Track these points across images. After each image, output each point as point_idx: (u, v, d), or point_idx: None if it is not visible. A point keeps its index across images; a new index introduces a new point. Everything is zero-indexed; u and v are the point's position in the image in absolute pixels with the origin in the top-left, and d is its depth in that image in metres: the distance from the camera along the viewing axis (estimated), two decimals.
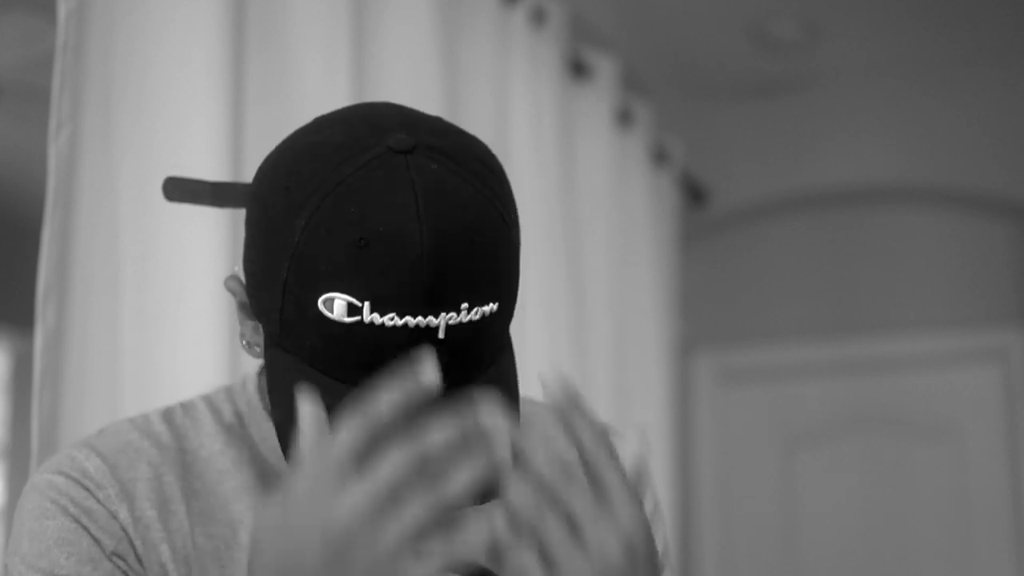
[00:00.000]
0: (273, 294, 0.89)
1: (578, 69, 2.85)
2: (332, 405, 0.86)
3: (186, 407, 1.08)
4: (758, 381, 3.99)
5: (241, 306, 0.97)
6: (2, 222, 3.33)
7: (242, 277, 0.96)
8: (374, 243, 0.84)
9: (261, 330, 0.95)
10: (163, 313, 1.54)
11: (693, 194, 3.70)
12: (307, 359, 0.89)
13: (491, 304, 0.89)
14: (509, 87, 2.45)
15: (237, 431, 1.06)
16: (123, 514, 1.00)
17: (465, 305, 0.87)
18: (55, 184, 1.41)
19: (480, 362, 0.90)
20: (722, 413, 4.00)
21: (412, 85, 2.07)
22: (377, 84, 2.02)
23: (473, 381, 0.90)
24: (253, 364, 1.68)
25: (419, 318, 0.85)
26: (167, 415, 1.08)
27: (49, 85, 1.42)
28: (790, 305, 3.95)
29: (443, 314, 0.85)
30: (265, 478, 1.04)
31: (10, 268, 3.20)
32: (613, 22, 3.35)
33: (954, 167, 3.74)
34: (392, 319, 0.85)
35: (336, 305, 0.85)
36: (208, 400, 1.09)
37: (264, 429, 1.05)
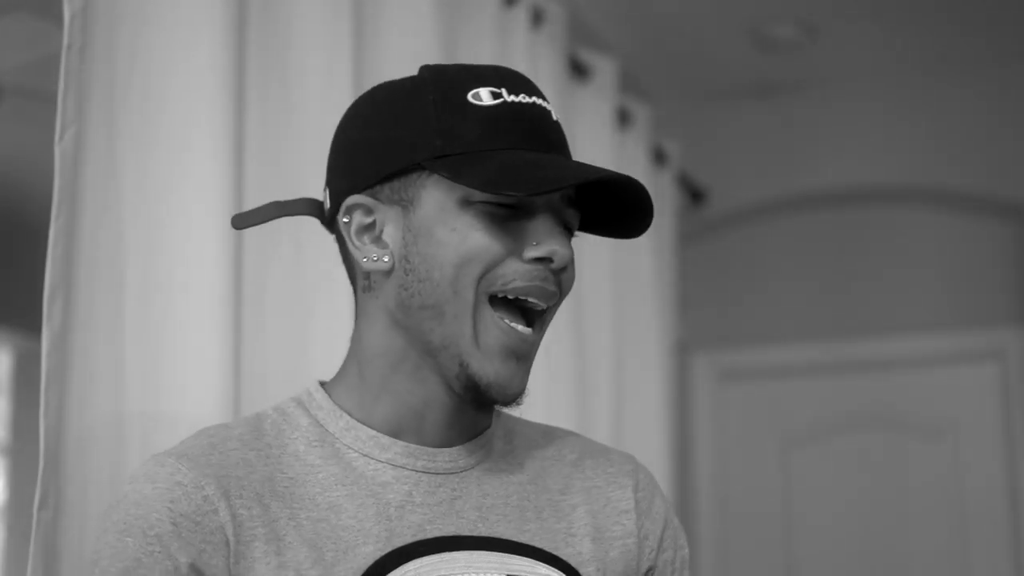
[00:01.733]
0: (423, 126, 1.09)
1: (577, 70, 2.86)
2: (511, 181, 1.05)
3: (260, 414, 1.16)
4: (756, 380, 3.99)
5: (359, 231, 1.12)
6: (6, 223, 3.33)
7: (346, 218, 1.12)
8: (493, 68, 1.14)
9: (382, 236, 1.11)
10: (168, 313, 1.54)
11: (692, 194, 3.71)
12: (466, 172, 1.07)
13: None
14: None
15: (317, 430, 1.13)
16: (223, 512, 1.05)
17: None
18: (60, 184, 1.41)
19: None
20: (720, 412, 4.01)
21: None
22: (377, 83, 2.03)
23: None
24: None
25: (535, 98, 1.11)
26: (248, 421, 1.14)
27: (54, 86, 1.43)
28: (788, 305, 3.96)
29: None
30: (349, 471, 1.11)
31: (13, 268, 3.21)
32: (612, 23, 3.36)
33: (952, 167, 3.75)
34: (523, 98, 1.10)
35: (483, 94, 1.09)
36: (280, 407, 1.16)
37: (340, 427, 1.13)
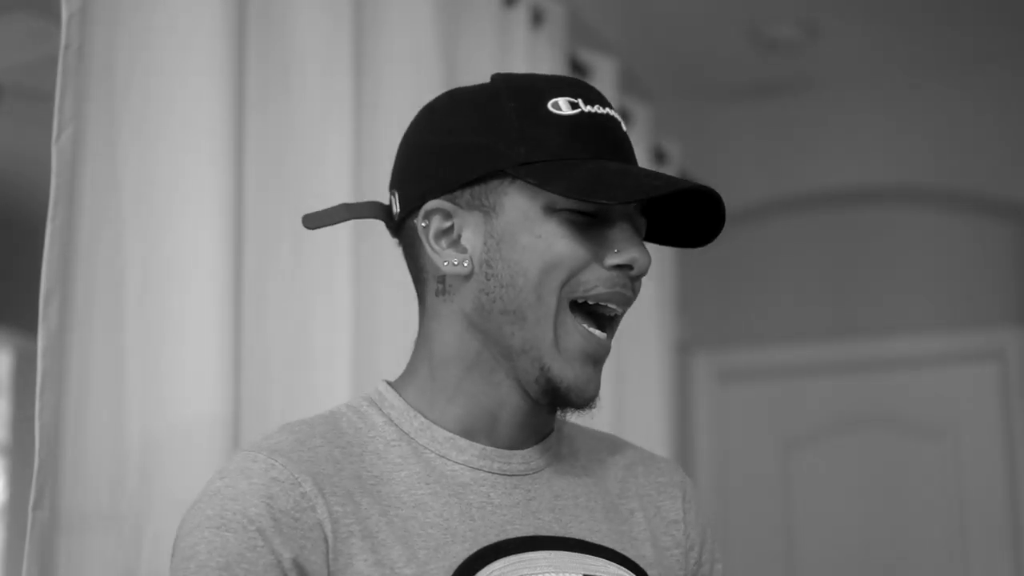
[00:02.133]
0: (506, 134, 1.12)
1: (577, 70, 2.86)
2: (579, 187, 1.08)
3: (334, 412, 1.16)
4: (757, 380, 3.99)
5: (438, 235, 1.14)
6: (4, 222, 3.33)
7: (424, 222, 1.14)
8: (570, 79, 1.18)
9: (460, 241, 1.13)
10: (166, 313, 1.54)
11: None
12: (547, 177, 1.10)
13: None
14: None
15: (393, 430, 1.15)
16: (320, 508, 1.05)
17: None
18: (57, 184, 1.41)
19: None
20: (721, 412, 4.01)
21: (412, 85, 2.07)
22: (377, 84, 2.03)
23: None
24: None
25: (608, 109, 1.15)
26: (325, 418, 1.15)
27: (52, 86, 1.43)
28: (789, 305, 3.96)
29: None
30: (430, 471, 1.13)
31: (12, 268, 3.21)
32: (612, 23, 3.36)
33: (951, 167, 3.75)
34: (598, 108, 1.14)
35: (561, 103, 1.12)
36: (353, 406, 1.17)
37: (414, 427, 1.15)
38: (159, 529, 1.48)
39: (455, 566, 1.07)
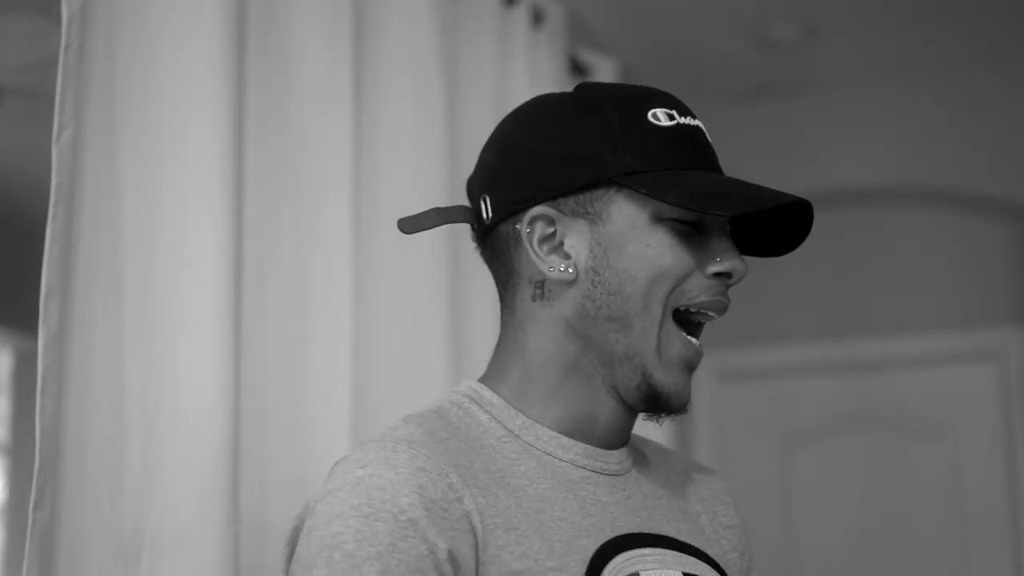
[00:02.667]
0: (612, 143, 1.13)
1: (577, 70, 2.86)
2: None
3: (440, 408, 1.16)
4: (756, 380, 3.99)
5: (540, 241, 1.15)
6: (4, 222, 3.33)
7: (528, 228, 1.15)
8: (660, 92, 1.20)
9: (564, 247, 1.14)
10: (166, 313, 1.54)
11: None
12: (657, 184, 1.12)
13: None
14: (509, 87, 2.46)
15: (498, 427, 1.16)
16: (467, 500, 1.05)
17: None
18: (58, 184, 1.41)
19: None
20: (720, 412, 4.01)
21: (412, 84, 2.08)
22: (377, 84, 2.03)
23: None
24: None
25: (698, 121, 1.18)
26: (436, 412, 1.15)
27: (52, 86, 1.43)
28: (788, 305, 3.96)
29: None
30: (544, 466, 1.13)
31: (12, 268, 3.21)
32: (612, 23, 3.36)
33: (951, 168, 3.75)
34: (690, 120, 1.16)
35: (660, 114, 1.14)
36: (455, 402, 1.17)
37: (517, 425, 1.16)
38: (158, 529, 1.48)
39: (587, 560, 1.08)
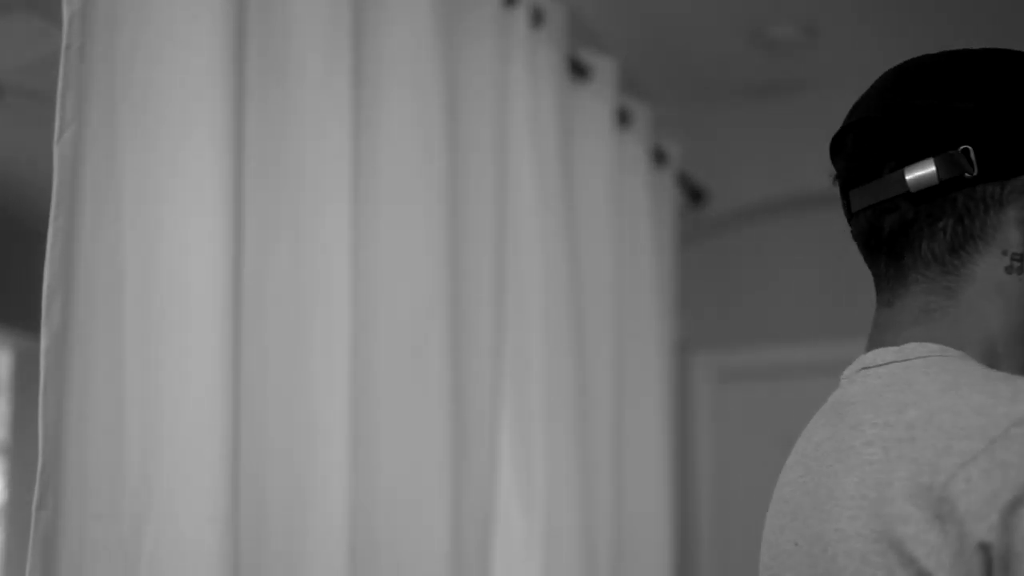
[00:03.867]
0: None
1: (577, 70, 2.86)
2: None
3: (968, 372, 1.12)
4: (756, 381, 3.99)
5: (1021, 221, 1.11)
6: (7, 223, 3.33)
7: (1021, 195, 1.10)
8: None
9: None
10: (167, 312, 1.54)
11: (692, 195, 3.71)
12: None
13: None
14: (509, 87, 2.46)
15: None
16: None
17: None
18: (59, 184, 1.42)
19: None
20: (721, 413, 4.01)
21: (412, 85, 2.08)
22: (377, 84, 2.03)
23: None
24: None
25: None
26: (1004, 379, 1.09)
27: (52, 86, 1.43)
28: (788, 305, 3.96)
29: None
30: None
31: (13, 268, 3.21)
32: (612, 23, 3.36)
33: None
34: None
35: None
36: (960, 357, 1.14)
37: None
38: (159, 529, 1.48)
39: None
